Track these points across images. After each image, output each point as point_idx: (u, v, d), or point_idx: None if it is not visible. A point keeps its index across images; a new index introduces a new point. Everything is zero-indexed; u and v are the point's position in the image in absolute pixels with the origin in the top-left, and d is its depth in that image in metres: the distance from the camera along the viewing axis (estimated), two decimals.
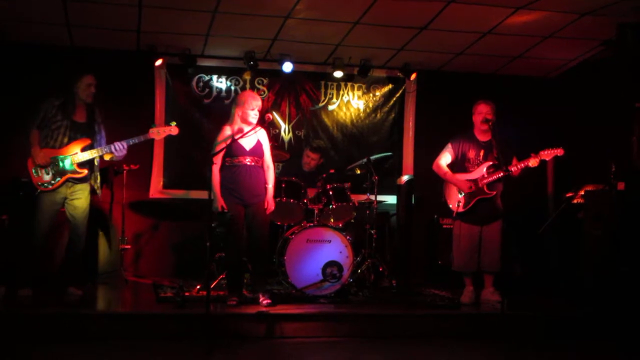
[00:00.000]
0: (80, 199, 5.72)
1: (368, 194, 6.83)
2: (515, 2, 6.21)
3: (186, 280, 6.38)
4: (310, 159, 7.34)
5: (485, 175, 5.94)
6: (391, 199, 7.86)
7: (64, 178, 5.63)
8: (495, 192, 5.93)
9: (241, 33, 7.17)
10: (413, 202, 7.60)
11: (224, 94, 8.04)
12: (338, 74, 7.96)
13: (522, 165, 5.86)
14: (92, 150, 5.68)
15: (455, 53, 7.71)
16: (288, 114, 8.19)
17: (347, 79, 8.25)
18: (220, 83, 8.05)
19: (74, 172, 5.66)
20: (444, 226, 7.42)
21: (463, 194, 6.00)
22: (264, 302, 5.51)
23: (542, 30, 6.92)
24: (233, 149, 5.60)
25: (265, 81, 8.14)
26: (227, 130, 5.68)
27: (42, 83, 6.90)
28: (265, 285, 5.83)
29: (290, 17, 6.66)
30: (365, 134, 8.38)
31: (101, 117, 5.87)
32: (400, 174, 8.10)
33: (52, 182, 5.61)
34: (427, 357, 4.91)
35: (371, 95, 8.42)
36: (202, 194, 7.32)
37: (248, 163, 5.65)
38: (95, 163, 5.80)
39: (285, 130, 8.19)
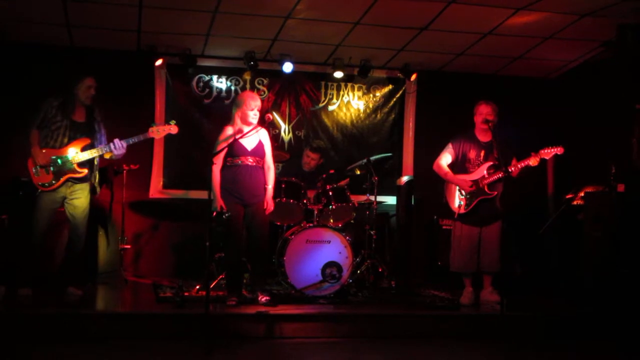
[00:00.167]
0: (79, 199, 5.72)
1: (368, 195, 6.83)
2: (515, 3, 6.22)
3: (186, 280, 6.38)
4: (310, 159, 7.34)
5: (486, 176, 5.94)
6: (391, 200, 7.87)
7: (65, 178, 5.64)
8: (496, 193, 5.94)
9: (241, 33, 7.17)
10: (413, 202, 7.62)
11: (224, 94, 8.04)
12: (338, 74, 7.96)
13: (522, 164, 5.86)
14: (92, 150, 5.69)
15: (455, 54, 7.71)
16: (288, 114, 8.20)
17: (347, 79, 8.25)
18: (221, 83, 8.05)
19: (74, 171, 5.66)
20: (444, 227, 7.40)
21: (464, 195, 6.00)
22: (264, 302, 5.51)
23: (542, 31, 6.92)
24: (235, 149, 5.60)
25: (265, 81, 8.14)
26: (229, 130, 5.69)
27: (42, 83, 6.90)
28: (265, 285, 5.83)
29: (290, 18, 6.66)
30: (365, 135, 8.39)
31: (100, 116, 5.88)
32: (400, 175, 8.10)
33: (53, 181, 5.62)
34: (426, 358, 4.91)
35: (371, 95, 8.42)
36: (202, 194, 7.31)
37: (249, 163, 5.65)
38: (95, 162, 5.81)
39: (285, 130, 8.19)
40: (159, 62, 7.70)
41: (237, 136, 5.51)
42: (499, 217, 5.93)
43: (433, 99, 8.32)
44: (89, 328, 4.98)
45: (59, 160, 5.61)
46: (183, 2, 6.37)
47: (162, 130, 5.85)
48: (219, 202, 5.54)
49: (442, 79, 8.32)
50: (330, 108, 8.33)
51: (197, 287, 6.18)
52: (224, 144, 5.56)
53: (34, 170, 5.60)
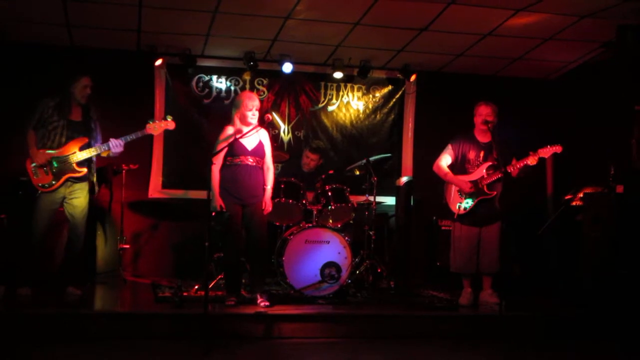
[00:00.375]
0: (79, 198, 5.73)
1: (367, 195, 6.83)
2: (515, 4, 6.22)
3: (185, 280, 6.39)
4: (309, 160, 7.34)
5: (485, 176, 5.95)
6: (390, 200, 7.87)
7: (64, 178, 5.64)
8: (495, 193, 5.94)
9: (241, 33, 7.17)
10: (412, 203, 7.61)
11: (223, 94, 8.04)
12: (338, 74, 7.97)
13: (521, 163, 5.85)
14: (90, 149, 5.70)
15: (455, 54, 7.71)
16: (288, 114, 8.20)
17: (347, 79, 8.25)
18: (220, 83, 8.05)
19: (74, 171, 5.67)
20: (443, 227, 7.40)
21: (464, 196, 6.00)
22: (262, 302, 5.51)
23: (542, 32, 6.93)
24: (235, 149, 5.60)
25: (265, 82, 8.14)
26: (229, 130, 5.69)
27: (42, 83, 6.90)
28: (264, 285, 5.83)
29: (290, 18, 6.66)
30: (365, 135, 8.39)
31: (97, 115, 5.89)
32: (399, 175, 8.10)
33: (53, 182, 5.62)
34: (425, 358, 4.90)
35: (371, 96, 8.43)
36: (201, 194, 7.31)
37: (249, 163, 5.65)
38: (93, 161, 5.82)
39: (284, 130, 8.19)
40: (158, 62, 7.70)
41: (238, 135, 5.51)
42: (498, 217, 5.93)
43: (433, 99, 8.32)
44: (88, 328, 4.98)
45: (58, 161, 5.62)
46: (183, 2, 6.38)
47: (159, 126, 5.85)
48: (218, 202, 5.54)
49: (441, 80, 8.32)
50: (330, 108, 8.33)
51: (196, 287, 6.18)
52: (224, 144, 5.56)
53: (33, 172, 5.61)
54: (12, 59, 7.30)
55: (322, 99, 8.32)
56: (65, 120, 5.68)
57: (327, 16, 6.65)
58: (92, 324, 5.02)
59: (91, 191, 5.83)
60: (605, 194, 6.27)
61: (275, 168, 6.30)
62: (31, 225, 5.64)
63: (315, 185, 6.66)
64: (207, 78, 8.02)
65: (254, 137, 5.70)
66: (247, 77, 8.08)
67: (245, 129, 5.61)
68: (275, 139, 8.02)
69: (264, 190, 5.72)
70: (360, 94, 8.40)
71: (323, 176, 6.70)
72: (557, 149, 5.84)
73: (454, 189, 6.09)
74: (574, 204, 6.77)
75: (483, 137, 6.07)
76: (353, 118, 8.37)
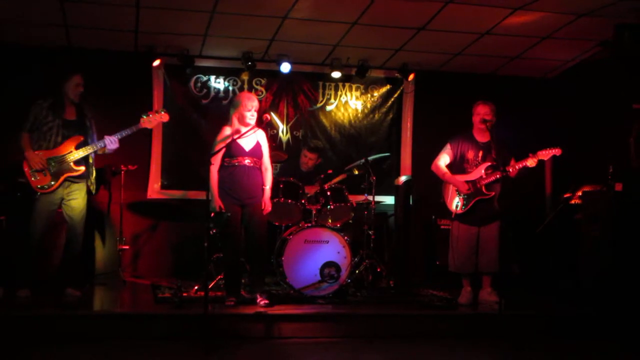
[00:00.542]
0: (77, 199, 5.73)
1: (366, 195, 6.82)
2: (513, 3, 6.22)
3: (184, 280, 6.38)
4: (308, 159, 7.35)
5: (484, 176, 5.95)
6: (389, 200, 7.87)
7: (63, 177, 5.64)
8: (493, 193, 5.94)
9: (239, 33, 7.17)
10: (411, 202, 7.61)
11: (221, 94, 8.04)
12: (336, 74, 7.97)
13: (520, 165, 5.87)
14: (86, 147, 5.70)
15: (453, 53, 7.72)
16: (286, 114, 8.20)
17: (345, 79, 8.25)
18: (218, 83, 8.05)
19: (72, 170, 5.67)
20: (442, 227, 7.40)
21: (462, 196, 6.00)
22: (262, 302, 5.51)
23: (539, 31, 6.93)
24: (232, 149, 5.60)
25: (263, 82, 8.14)
26: (227, 131, 5.69)
27: (40, 83, 6.85)
28: (263, 285, 5.83)
29: (288, 18, 6.66)
30: (363, 135, 8.39)
31: (91, 113, 5.89)
32: (398, 175, 8.11)
33: (52, 182, 5.62)
34: (425, 357, 4.91)
35: (369, 95, 8.43)
36: (200, 195, 7.30)
37: (247, 164, 5.65)
38: (90, 160, 5.81)
39: (283, 130, 8.19)
40: (156, 63, 7.69)
41: (235, 136, 5.51)
42: (497, 217, 5.93)
43: (431, 98, 8.32)
44: (87, 329, 4.98)
45: (55, 160, 5.61)
46: (181, 3, 6.37)
47: (153, 119, 5.85)
48: (217, 202, 5.54)
49: (439, 79, 8.32)
50: (328, 108, 8.33)
51: (196, 287, 6.18)
52: (222, 144, 5.56)
53: (31, 174, 5.60)
54: (10, 60, 7.28)
55: (321, 98, 8.32)
56: (60, 119, 5.68)
57: (325, 16, 6.65)
58: (91, 325, 5.02)
59: (89, 192, 5.82)
60: (604, 193, 6.27)
61: (274, 168, 6.30)
62: (29, 226, 5.64)
63: (314, 184, 6.67)
64: (205, 78, 8.01)
65: (252, 138, 5.69)
66: (245, 77, 8.07)
67: (243, 130, 5.61)
68: (273, 138, 8.02)
69: (262, 190, 5.72)
70: (358, 93, 8.40)
71: (322, 176, 6.69)
72: (557, 151, 5.86)
73: (451, 188, 6.10)
74: (572, 202, 6.79)
75: (482, 137, 6.08)
76: (351, 117, 8.37)
